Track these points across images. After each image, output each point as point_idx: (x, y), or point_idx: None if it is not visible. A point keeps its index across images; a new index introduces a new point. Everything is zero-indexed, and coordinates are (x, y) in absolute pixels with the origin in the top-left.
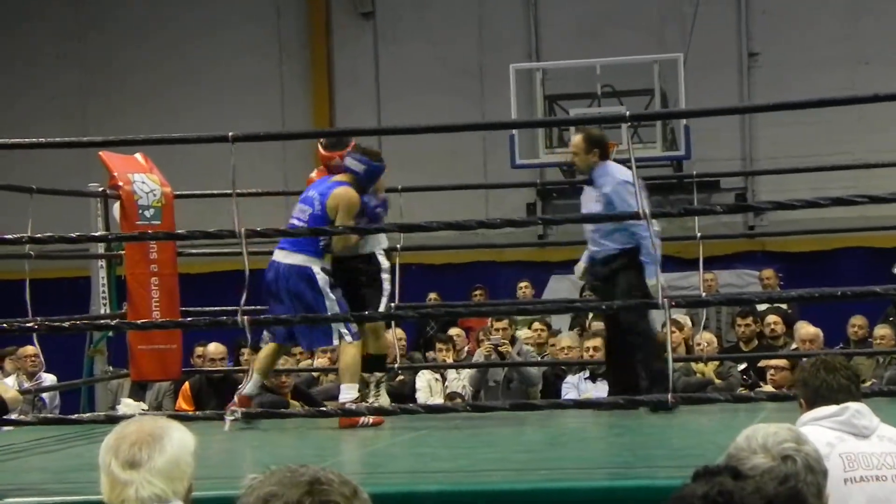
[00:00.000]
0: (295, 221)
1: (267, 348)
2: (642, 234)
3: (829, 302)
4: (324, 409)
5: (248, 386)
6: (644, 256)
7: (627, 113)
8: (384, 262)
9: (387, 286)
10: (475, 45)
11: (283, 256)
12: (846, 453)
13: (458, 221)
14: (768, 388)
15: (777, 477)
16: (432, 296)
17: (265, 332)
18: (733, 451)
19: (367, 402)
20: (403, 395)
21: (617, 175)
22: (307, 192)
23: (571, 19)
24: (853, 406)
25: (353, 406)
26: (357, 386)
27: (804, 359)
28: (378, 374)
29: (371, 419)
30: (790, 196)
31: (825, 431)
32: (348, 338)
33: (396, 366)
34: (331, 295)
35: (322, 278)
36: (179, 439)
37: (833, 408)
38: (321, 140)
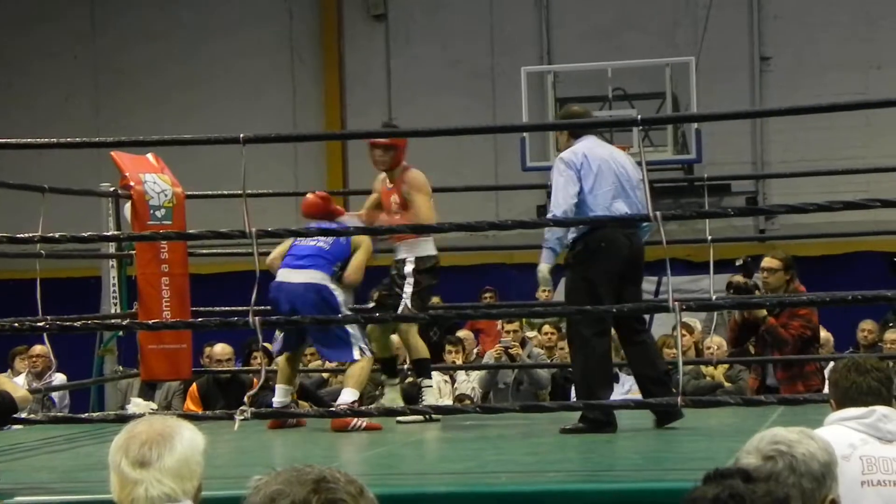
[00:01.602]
0: (314, 244)
1: (282, 360)
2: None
3: (839, 306)
4: (332, 409)
5: (277, 397)
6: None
7: (639, 116)
8: (407, 268)
9: (408, 289)
10: (487, 48)
11: (294, 276)
12: (867, 456)
13: (468, 223)
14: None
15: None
16: (434, 300)
17: (276, 344)
18: (739, 452)
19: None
20: (412, 397)
21: (568, 151)
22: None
23: (583, 22)
24: (880, 410)
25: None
26: (358, 394)
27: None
28: (420, 380)
29: (364, 423)
30: (801, 200)
31: (850, 433)
32: (368, 353)
33: (406, 367)
34: (347, 312)
35: (339, 294)
36: (190, 439)
37: (861, 409)
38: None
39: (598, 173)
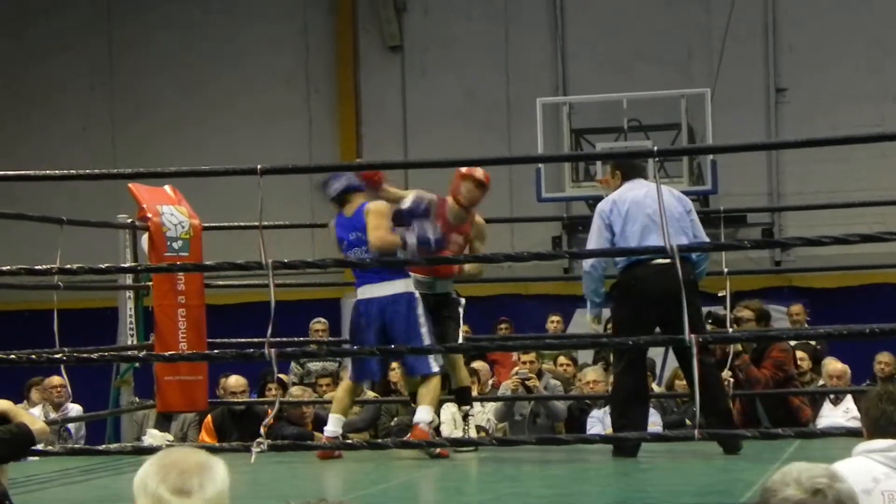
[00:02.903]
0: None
1: (343, 386)
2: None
3: (856, 340)
4: (349, 441)
5: (330, 426)
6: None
7: (655, 148)
8: (461, 298)
9: (462, 325)
10: (502, 79)
11: (380, 290)
12: (889, 491)
13: (484, 255)
14: None
15: None
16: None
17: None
18: (769, 485)
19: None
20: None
21: (605, 199)
22: (348, 238)
23: (598, 53)
24: None
25: (428, 430)
26: (433, 410)
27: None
28: (465, 408)
29: (438, 450)
30: (817, 232)
31: (874, 465)
32: (435, 368)
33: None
34: (425, 322)
35: (420, 304)
36: (224, 472)
37: (887, 442)
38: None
39: (627, 215)
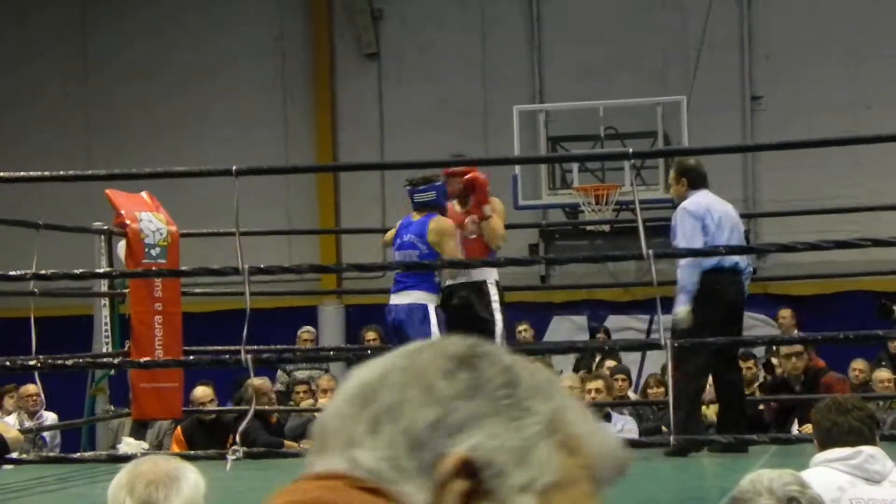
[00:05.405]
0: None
1: None
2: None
3: (830, 345)
4: None
5: None
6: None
7: (630, 150)
8: (493, 294)
9: (498, 317)
10: (479, 87)
11: (400, 298)
12: (856, 498)
13: (461, 260)
14: None
15: None
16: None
17: None
18: (738, 495)
19: None
20: None
21: (691, 201)
22: (402, 238)
23: (575, 61)
24: (867, 450)
25: None
26: None
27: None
28: None
29: None
30: (793, 239)
31: (837, 475)
32: None
33: None
34: (437, 333)
35: (435, 318)
36: (195, 481)
37: (847, 450)
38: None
39: (718, 225)
